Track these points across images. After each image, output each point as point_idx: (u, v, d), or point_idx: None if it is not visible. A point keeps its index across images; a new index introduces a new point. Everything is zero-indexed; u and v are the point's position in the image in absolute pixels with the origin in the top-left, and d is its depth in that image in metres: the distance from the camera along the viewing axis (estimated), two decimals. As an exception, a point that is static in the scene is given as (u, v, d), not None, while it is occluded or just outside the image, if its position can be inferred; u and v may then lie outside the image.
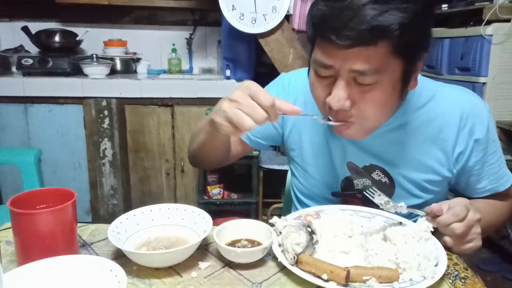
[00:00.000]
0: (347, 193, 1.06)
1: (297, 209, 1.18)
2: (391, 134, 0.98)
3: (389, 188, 1.02)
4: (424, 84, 0.98)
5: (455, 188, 1.08)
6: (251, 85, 0.79)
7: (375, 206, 1.02)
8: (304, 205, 1.15)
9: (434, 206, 0.84)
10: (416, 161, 0.99)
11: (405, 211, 0.88)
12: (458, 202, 0.84)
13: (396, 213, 0.93)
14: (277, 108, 0.79)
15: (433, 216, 0.84)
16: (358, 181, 1.04)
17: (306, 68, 1.06)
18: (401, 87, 0.83)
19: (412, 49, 0.79)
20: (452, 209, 0.82)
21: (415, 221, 0.89)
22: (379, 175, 1.02)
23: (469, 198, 1.03)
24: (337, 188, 1.07)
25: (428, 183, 1.01)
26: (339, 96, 0.80)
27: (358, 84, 0.79)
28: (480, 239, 0.84)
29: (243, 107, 0.77)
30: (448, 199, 0.97)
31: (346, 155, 1.04)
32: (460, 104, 0.98)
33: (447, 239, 0.84)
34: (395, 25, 0.72)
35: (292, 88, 1.10)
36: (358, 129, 0.87)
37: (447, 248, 0.83)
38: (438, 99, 0.98)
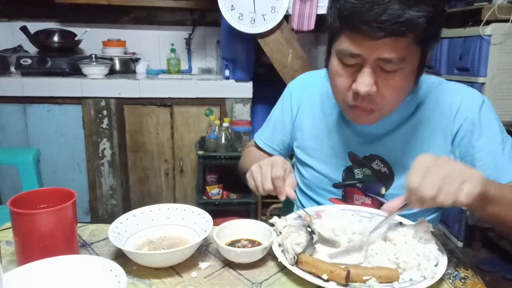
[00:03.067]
0: (348, 183, 1.10)
1: (300, 201, 1.21)
2: (393, 125, 1.03)
3: (388, 178, 1.06)
4: (424, 80, 1.04)
5: None
6: (277, 159, 0.95)
7: (375, 195, 1.06)
8: (306, 196, 1.19)
9: (389, 206, 0.82)
10: (416, 151, 1.02)
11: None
12: (408, 178, 0.76)
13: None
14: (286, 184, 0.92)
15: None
16: (358, 170, 1.09)
17: (309, 72, 1.20)
18: (417, 74, 0.91)
19: (431, 39, 0.87)
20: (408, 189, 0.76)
21: (414, 220, 0.89)
22: (378, 165, 1.06)
23: None
24: (339, 179, 1.11)
25: None
26: (367, 82, 0.85)
27: (383, 71, 0.85)
28: (470, 175, 0.72)
29: (262, 172, 0.93)
30: None
31: (347, 145, 1.08)
32: (457, 93, 1.03)
33: (438, 202, 0.72)
34: (423, 18, 0.78)
35: (297, 93, 1.19)
36: (376, 115, 0.93)
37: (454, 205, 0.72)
38: (438, 92, 1.04)
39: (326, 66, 0.97)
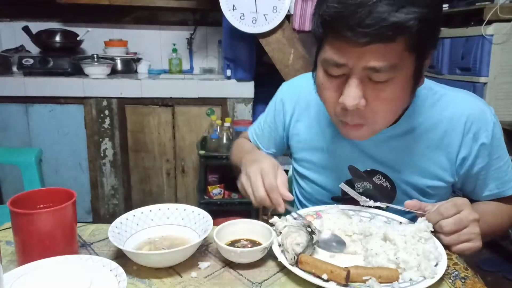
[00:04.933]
0: (347, 198, 1.04)
1: None
2: (395, 140, 0.98)
3: (390, 193, 1.02)
4: (429, 89, 0.98)
5: (463, 191, 1.07)
6: (265, 164, 0.90)
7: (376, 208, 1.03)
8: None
9: (411, 204, 0.88)
10: (419, 167, 0.99)
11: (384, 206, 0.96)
12: (447, 201, 0.85)
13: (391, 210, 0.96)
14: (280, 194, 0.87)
15: (420, 215, 0.87)
16: (359, 184, 1.05)
17: (306, 74, 1.09)
18: (413, 84, 0.83)
19: (425, 44, 0.79)
20: (438, 208, 0.84)
21: (413, 217, 0.90)
22: (380, 180, 1.02)
23: (476, 201, 1.04)
24: (338, 193, 1.07)
25: (430, 189, 1.00)
26: (354, 95, 0.78)
27: (372, 82, 0.78)
28: (479, 240, 0.83)
29: (251, 183, 0.89)
30: None
31: (348, 159, 1.04)
32: (464, 108, 0.96)
33: (440, 236, 0.84)
34: (414, 21, 0.71)
35: (291, 100, 1.13)
36: (367, 130, 0.86)
37: (447, 248, 0.83)
38: (443, 104, 0.97)
39: (314, 77, 0.91)
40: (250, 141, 1.26)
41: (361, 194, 1.02)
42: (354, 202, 1.04)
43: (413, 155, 0.98)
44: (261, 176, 0.88)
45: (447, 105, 0.97)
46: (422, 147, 0.98)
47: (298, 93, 1.12)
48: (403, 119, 0.96)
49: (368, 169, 1.02)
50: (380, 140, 0.98)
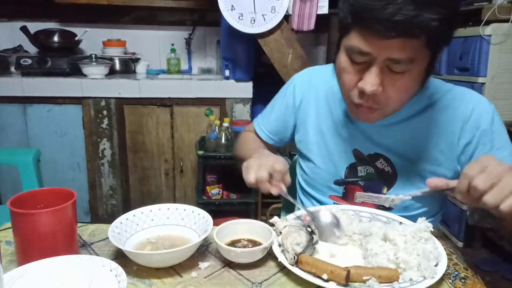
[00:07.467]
0: (349, 181, 1.09)
1: (300, 199, 1.23)
2: (400, 125, 1.03)
3: (391, 178, 1.06)
4: (437, 82, 1.05)
5: None
6: (279, 159, 0.98)
7: (376, 193, 1.05)
8: (307, 194, 1.19)
9: (434, 181, 0.85)
10: (421, 153, 1.03)
11: (408, 197, 0.94)
12: (470, 163, 0.79)
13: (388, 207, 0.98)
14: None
15: (446, 190, 0.85)
16: (361, 168, 1.08)
17: (315, 67, 1.20)
18: (425, 76, 0.90)
19: (442, 41, 0.85)
20: (462, 173, 0.78)
21: (414, 216, 0.90)
22: (382, 164, 1.06)
23: None
24: (341, 176, 1.11)
25: (432, 175, 1.02)
26: (373, 81, 0.84)
27: (390, 71, 0.84)
28: None
29: (259, 163, 0.96)
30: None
31: (352, 143, 1.08)
32: (466, 99, 1.02)
33: (483, 200, 0.73)
34: (438, 21, 0.76)
35: (302, 86, 1.19)
36: (378, 113, 0.92)
37: (497, 218, 0.77)
38: (448, 95, 1.03)
39: (334, 61, 0.95)
40: (255, 131, 1.30)
41: (363, 177, 1.08)
42: (355, 185, 1.09)
43: (416, 140, 1.03)
44: (272, 163, 0.94)
45: (451, 97, 1.03)
46: (425, 133, 1.02)
47: (309, 78, 1.19)
48: (407, 105, 0.99)
49: (372, 153, 1.07)
50: (385, 125, 1.03)
